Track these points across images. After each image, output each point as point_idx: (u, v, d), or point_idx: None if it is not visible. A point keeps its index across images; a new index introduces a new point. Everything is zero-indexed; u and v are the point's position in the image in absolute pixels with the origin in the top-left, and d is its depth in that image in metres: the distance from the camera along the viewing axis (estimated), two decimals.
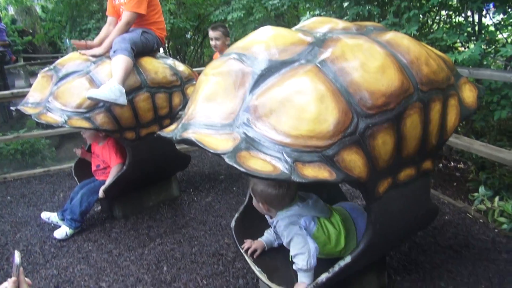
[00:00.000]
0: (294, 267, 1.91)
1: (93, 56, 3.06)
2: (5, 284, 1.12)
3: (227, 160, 1.39)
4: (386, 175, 1.68)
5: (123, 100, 2.75)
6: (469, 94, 1.94)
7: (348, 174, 1.49)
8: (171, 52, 8.85)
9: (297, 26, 1.97)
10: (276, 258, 2.23)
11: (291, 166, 1.40)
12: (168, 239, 3.05)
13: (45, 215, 3.24)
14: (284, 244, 1.99)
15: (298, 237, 1.87)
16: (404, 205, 1.82)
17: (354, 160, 1.51)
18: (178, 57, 8.80)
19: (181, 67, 3.48)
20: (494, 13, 3.78)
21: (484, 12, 3.78)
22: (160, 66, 3.27)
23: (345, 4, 4.22)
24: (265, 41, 1.68)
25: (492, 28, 3.71)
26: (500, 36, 3.74)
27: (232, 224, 2.29)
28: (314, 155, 1.45)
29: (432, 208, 2.08)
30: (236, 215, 2.33)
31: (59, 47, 12.91)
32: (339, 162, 1.48)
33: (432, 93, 1.71)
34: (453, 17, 4.27)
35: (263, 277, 2.02)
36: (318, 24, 1.90)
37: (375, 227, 1.72)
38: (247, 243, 2.19)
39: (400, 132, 1.62)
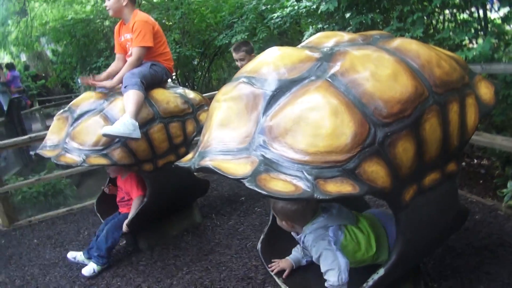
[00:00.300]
0: (326, 284, 1.86)
1: (104, 87, 3.14)
2: None
3: (247, 184, 1.38)
4: (411, 182, 1.64)
5: (137, 133, 2.79)
6: (485, 91, 1.90)
7: (371, 185, 1.47)
8: (179, 80, 8.99)
9: (302, 44, 1.98)
10: (307, 278, 2.19)
11: (313, 183, 1.38)
12: (196, 267, 3.03)
13: (71, 255, 3.27)
14: (314, 259, 1.95)
15: (327, 252, 1.84)
16: (433, 211, 1.77)
17: (376, 171, 1.48)
18: (187, 84, 8.92)
19: (191, 94, 3.53)
20: (499, 7, 3.74)
21: (488, 7, 3.74)
22: (171, 96, 3.31)
23: (347, 15, 4.23)
24: (272, 62, 1.69)
25: (499, 21, 3.66)
26: (508, 28, 3.69)
27: (259, 246, 2.26)
28: (334, 170, 1.43)
29: (462, 209, 2.03)
30: (262, 236, 2.30)
31: (71, 87, 13.29)
32: (361, 174, 1.45)
33: (447, 95, 1.68)
34: (457, 15, 4.24)
35: None
36: (323, 39, 1.90)
37: (405, 236, 1.67)
38: (275, 263, 2.16)
39: (420, 137, 1.59)
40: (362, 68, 1.58)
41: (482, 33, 3.42)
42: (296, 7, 4.97)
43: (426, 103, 1.60)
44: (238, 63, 3.74)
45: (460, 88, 1.77)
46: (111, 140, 2.86)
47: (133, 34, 3.16)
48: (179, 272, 3.00)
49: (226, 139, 1.59)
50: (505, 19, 3.62)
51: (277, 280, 2.12)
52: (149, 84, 3.17)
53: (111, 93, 3.17)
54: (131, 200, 3.26)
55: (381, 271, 1.72)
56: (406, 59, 1.68)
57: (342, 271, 1.79)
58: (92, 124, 2.91)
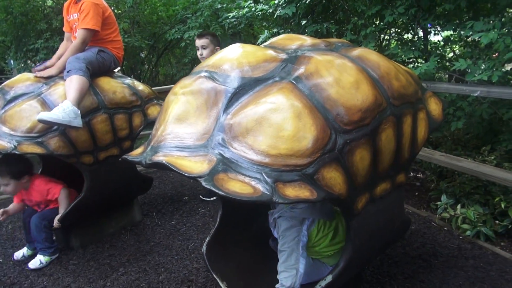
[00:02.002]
0: (277, 285, 1.85)
1: (49, 77, 2.88)
2: None
3: (204, 183, 1.30)
4: (364, 190, 1.66)
5: (78, 122, 2.59)
6: (435, 107, 1.99)
7: (329, 192, 1.46)
8: (125, 72, 8.60)
9: (265, 43, 1.94)
10: (251, 282, 2.16)
11: (272, 186, 1.34)
12: (132, 267, 2.87)
13: (18, 255, 3.06)
14: (278, 247, 1.95)
15: (292, 253, 1.86)
16: (381, 219, 1.81)
17: (334, 178, 1.47)
18: (132, 76, 8.55)
19: (140, 86, 3.36)
20: (441, 30, 4.00)
21: (430, 29, 3.99)
22: (119, 86, 3.13)
23: (303, 22, 4.29)
24: (236, 58, 1.64)
25: (441, 43, 3.91)
26: (449, 53, 3.96)
27: (204, 248, 2.18)
28: (294, 174, 1.40)
29: (405, 219, 2.10)
30: (208, 239, 2.23)
31: (3, 68, 12.21)
32: (319, 180, 1.44)
33: (403, 107, 1.73)
34: (402, 34, 4.47)
35: None
36: (287, 41, 1.88)
37: (354, 243, 1.69)
38: None
39: (376, 147, 1.62)
40: (327, 73, 1.57)
41: (426, 53, 3.63)
42: (253, 9, 4.94)
43: (384, 113, 1.63)
44: (199, 52, 3.45)
45: (414, 102, 1.83)
46: (47, 128, 2.62)
47: (80, 15, 2.95)
48: (114, 272, 2.82)
49: (182, 135, 1.50)
50: (447, 42, 3.88)
51: (220, 284, 2.06)
52: (96, 71, 2.97)
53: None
54: (52, 203, 3.01)
55: (329, 278, 1.73)
56: (367, 68, 1.71)
57: (298, 278, 1.81)
58: (27, 108, 2.65)
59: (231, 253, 2.29)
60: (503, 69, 2.70)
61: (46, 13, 7.37)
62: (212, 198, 3.90)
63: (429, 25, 3.94)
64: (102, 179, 3.02)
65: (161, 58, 9.05)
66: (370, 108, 1.57)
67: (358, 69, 1.64)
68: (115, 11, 7.47)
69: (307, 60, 1.63)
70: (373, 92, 1.60)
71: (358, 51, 1.81)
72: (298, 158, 1.41)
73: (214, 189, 1.29)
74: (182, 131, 1.51)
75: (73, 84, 2.68)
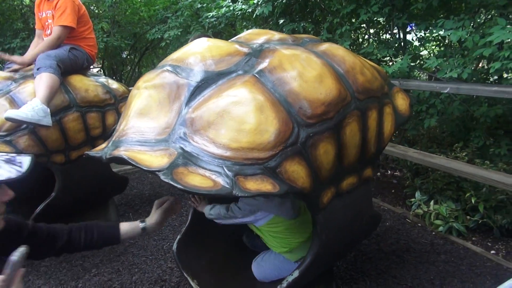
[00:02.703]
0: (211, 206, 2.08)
1: (14, 62, 2.84)
2: None
3: (162, 177, 1.29)
4: (329, 184, 1.66)
5: (47, 121, 2.54)
6: (402, 102, 2.01)
7: (291, 185, 1.45)
8: (106, 72, 8.49)
9: (233, 38, 1.93)
10: (222, 280, 2.14)
11: (232, 180, 1.33)
12: (105, 268, 2.82)
13: None
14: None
15: (234, 214, 1.99)
16: (348, 214, 1.81)
17: (297, 171, 1.47)
18: (114, 77, 8.45)
19: (115, 85, 3.31)
20: (417, 30, 4.06)
21: (408, 29, 4.04)
22: (91, 84, 3.08)
23: (281, 21, 4.30)
24: (200, 52, 1.62)
25: (416, 44, 3.96)
26: (423, 51, 4.01)
27: (174, 246, 2.17)
28: (256, 167, 1.39)
29: (375, 214, 2.11)
30: (179, 237, 2.21)
31: None
32: (282, 173, 1.43)
33: (368, 101, 1.74)
34: (380, 34, 4.52)
35: None
36: (254, 35, 1.88)
37: (321, 238, 1.69)
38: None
39: (340, 141, 1.62)
40: (290, 67, 1.57)
41: (401, 52, 3.67)
42: (231, 8, 4.93)
43: (348, 107, 1.63)
44: None
45: (380, 96, 1.84)
46: (16, 126, 2.56)
47: (56, 12, 2.90)
48: (86, 274, 2.77)
49: (144, 129, 1.48)
50: (421, 42, 3.93)
51: (191, 282, 2.04)
52: (67, 69, 2.92)
53: (20, 74, 2.86)
54: None
55: (296, 273, 1.72)
56: (332, 63, 1.71)
57: (217, 219, 2.04)
58: None
59: (203, 251, 2.27)
60: (472, 67, 2.74)
61: (23, 12, 7.25)
62: None
63: (410, 27, 4.00)
64: (74, 179, 2.96)
65: (144, 58, 8.96)
66: (334, 102, 1.57)
67: (323, 63, 1.64)
68: (95, 10, 7.38)
69: (271, 54, 1.62)
70: (337, 86, 1.61)
71: (324, 46, 1.82)
72: (260, 152, 1.40)
73: (172, 183, 1.27)
74: (144, 125, 1.49)
75: (43, 82, 2.62)
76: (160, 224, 1.68)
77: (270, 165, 1.41)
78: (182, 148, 1.39)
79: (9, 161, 1.18)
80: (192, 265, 2.13)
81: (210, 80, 1.53)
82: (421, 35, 3.99)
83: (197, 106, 1.47)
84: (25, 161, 1.20)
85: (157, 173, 1.30)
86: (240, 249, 2.37)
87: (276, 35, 1.88)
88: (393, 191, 3.82)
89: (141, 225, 1.65)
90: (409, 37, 4.27)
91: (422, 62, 3.76)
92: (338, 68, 1.70)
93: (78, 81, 3.00)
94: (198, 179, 1.31)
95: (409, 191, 3.49)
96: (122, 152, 1.41)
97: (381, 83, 1.88)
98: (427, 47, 4.23)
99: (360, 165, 1.80)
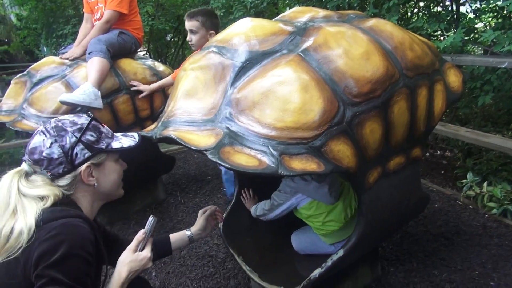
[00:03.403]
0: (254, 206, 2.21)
1: (73, 58, 2.96)
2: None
3: (210, 156, 1.32)
4: (376, 164, 1.63)
5: (98, 103, 2.67)
6: (454, 78, 1.92)
7: (337, 165, 1.44)
8: (152, 55, 8.71)
9: (277, 17, 1.92)
10: (267, 257, 2.18)
11: (278, 159, 1.34)
12: None
13: None
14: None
15: (274, 204, 2.05)
16: (395, 194, 1.78)
17: (342, 150, 1.46)
18: (159, 60, 8.66)
19: (161, 67, 3.40)
20: (471, 1, 3.80)
21: (462, 0, 3.80)
22: (139, 67, 3.18)
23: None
24: (244, 33, 1.62)
25: (471, 15, 3.72)
26: (479, 24, 3.76)
27: (220, 224, 2.23)
28: (301, 147, 1.40)
29: (423, 196, 2.05)
30: (225, 214, 2.27)
31: (36, 55, 12.65)
32: (327, 153, 1.43)
33: (418, 79, 1.68)
34: (431, 7, 4.28)
35: (254, 276, 1.97)
36: (298, 13, 1.85)
37: (366, 218, 1.67)
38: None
39: (387, 120, 1.58)
40: (336, 44, 1.54)
41: (454, 25, 3.46)
42: None
43: (396, 85, 1.58)
44: (188, 36, 2.81)
45: (430, 73, 1.76)
46: (72, 109, 2.71)
47: None
48: None
49: (191, 110, 1.52)
50: (477, 14, 3.68)
51: (237, 259, 2.10)
52: (116, 53, 3.03)
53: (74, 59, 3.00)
54: None
55: (341, 252, 1.72)
56: (380, 39, 1.65)
57: (263, 217, 2.13)
58: (53, 90, 2.74)
59: (248, 228, 2.32)
60: None
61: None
62: None
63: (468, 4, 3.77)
64: (125, 159, 3.10)
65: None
66: (381, 80, 1.53)
67: (369, 40, 1.60)
68: None
69: (316, 32, 1.59)
70: (385, 63, 1.56)
71: (371, 22, 1.76)
72: (304, 131, 1.40)
73: (219, 162, 1.30)
74: (191, 106, 1.53)
75: (94, 65, 2.75)
76: (204, 231, 1.88)
77: (315, 145, 1.41)
78: (228, 128, 1.42)
79: (125, 135, 1.49)
80: (237, 242, 2.19)
81: (254, 60, 1.54)
82: (476, 7, 3.73)
83: (242, 86, 1.48)
84: (135, 135, 1.51)
85: (204, 152, 1.34)
86: (284, 227, 2.40)
87: (321, 12, 1.84)
88: (442, 172, 3.68)
89: (188, 233, 1.84)
90: (462, 9, 4.02)
91: (477, 36, 3.54)
92: (385, 45, 1.65)
93: (127, 65, 3.11)
94: (244, 158, 1.34)
95: (460, 172, 3.35)
96: (171, 132, 1.47)
97: (431, 59, 1.79)
98: (483, 19, 3.95)
99: (408, 145, 1.75)
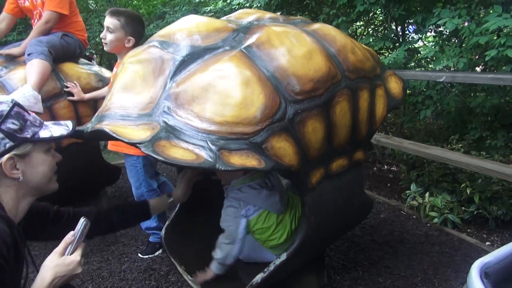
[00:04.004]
0: (212, 253, 1.93)
1: (10, 55, 2.77)
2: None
3: (143, 149, 1.25)
4: (319, 165, 1.62)
5: (38, 107, 2.50)
6: (395, 85, 1.97)
7: (278, 162, 1.41)
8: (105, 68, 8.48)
9: (223, 17, 1.90)
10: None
11: (216, 154, 1.29)
12: (95, 257, 2.78)
13: None
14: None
15: (231, 232, 1.87)
16: (339, 197, 1.77)
17: (284, 148, 1.43)
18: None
19: (108, 74, 3.28)
20: (413, 23, 4.04)
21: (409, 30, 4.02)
22: (84, 72, 3.05)
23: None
24: (187, 28, 1.59)
25: (414, 35, 3.94)
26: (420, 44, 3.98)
27: (162, 232, 2.12)
28: (241, 142, 1.36)
29: (366, 200, 2.07)
30: (167, 223, 2.17)
31: None
32: (268, 149, 1.39)
33: (359, 81, 1.70)
34: (379, 30, 4.49)
35: (196, 287, 1.88)
36: (244, 14, 1.84)
37: (309, 221, 1.65)
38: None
39: (330, 120, 1.58)
40: (279, 43, 1.53)
41: (398, 44, 3.63)
42: (228, 2, 4.91)
43: (338, 85, 1.59)
44: (103, 33, 2.43)
45: (372, 78, 1.80)
46: None
47: None
48: None
49: (127, 104, 1.44)
50: (418, 32, 3.90)
51: (179, 269, 2.00)
52: (59, 56, 2.87)
53: (11, 60, 2.82)
54: None
55: (283, 256, 1.68)
56: (323, 41, 1.67)
57: (231, 255, 1.87)
58: None
59: (191, 238, 2.23)
60: (468, 56, 2.71)
61: None
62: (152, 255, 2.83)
63: (408, 30, 4.01)
64: (65, 167, 2.89)
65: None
66: (323, 79, 1.53)
67: (313, 41, 1.61)
68: (93, 5, 7.35)
69: (259, 30, 1.59)
70: (327, 63, 1.57)
71: (316, 26, 1.78)
72: (245, 126, 1.36)
73: (153, 155, 1.23)
74: (128, 100, 1.45)
75: (34, 68, 2.59)
76: (185, 195, 1.90)
77: (256, 141, 1.38)
78: (165, 122, 1.36)
79: (56, 124, 1.35)
80: (180, 251, 2.09)
81: (196, 55, 1.50)
82: (419, 28, 3.96)
83: (182, 80, 1.43)
84: (69, 123, 1.37)
85: (138, 145, 1.27)
86: None
87: (267, 14, 1.85)
88: (388, 185, 3.78)
89: (169, 199, 1.84)
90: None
91: (418, 55, 3.73)
92: (328, 47, 1.67)
93: (70, 69, 2.97)
94: (180, 152, 1.27)
95: (405, 184, 3.45)
96: (104, 125, 1.38)
97: (373, 65, 1.84)
98: (424, 38, 4.19)
99: (351, 147, 1.76)
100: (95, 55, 7.61)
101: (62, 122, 1.38)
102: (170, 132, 1.33)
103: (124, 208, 1.73)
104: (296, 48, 1.54)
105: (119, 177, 3.60)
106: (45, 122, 1.33)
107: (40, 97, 2.53)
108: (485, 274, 0.89)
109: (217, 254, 1.90)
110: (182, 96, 1.39)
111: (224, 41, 1.55)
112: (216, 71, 1.42)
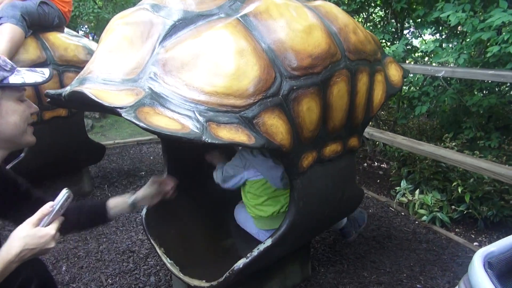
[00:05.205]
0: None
1: None
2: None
3: (124, 115, 1.15)
4: (311, 148, 1.54)
5: None
6: (395, 72, 1.90)
7: (269, 140, 1.33)
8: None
9: None
10: (191, 250, 2.01)
11: (203, 125, 1.20)
12: (72, 236, 2.67)
13: None
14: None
15: (227, 174, 1.95)
16: (330, 183, 1.69)
17: (276, 125, 1.34)
18: None
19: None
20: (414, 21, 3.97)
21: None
22: (72, 44, 2.91)
23: None
24: None
25: (413, 29, 3.87)
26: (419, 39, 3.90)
27: (143, 212, 2.02)
28: (231, 115, 1.27)
29: (357, 191, 1.99)
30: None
31: None
32: (259, 125, 1.31)
33: (359, 63, 1.62)
34: (378, 27, 4.41)
35: (175, 270, 1.80)
36: None
37: (298, 206, 1.57)
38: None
39: (326, 100, 1.50)
40: (278, 14, 1.44)
41: (397, 37, 3.56)
42: None
43: (337, 65, 1.50)
44: None
45: (372, 61, 1.72)
46: None
47: None
48: None
49: (111, 68, 1.34)
50: (418, 27, 3.83)
51: (158, 250, 1.91)
52: (35, 24, 2.69)
53: None
54: None
55: (268, 241, 1.60)
56: (325, 19, 1.58)
57: (226, 180, 1.96)
58: None
59: (172, 220, 2.13)
60: (469, 52, 2.64)
61: None
62: None
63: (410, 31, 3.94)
64: (46, 141, 2.79)
65: None
66: (322, 56, 1.45)
67: (314, 16, 1.52)
68: None
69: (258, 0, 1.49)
70: (327, 40, 1.48)
71: (318, 3, 1.69)
72: (236, 98, 1.27)
73: (135, 121, 1.13)
74: (112, 64, 1.35)
75: (4, 33, 2.42)
76: (151, 198, 1.64)
77: (246, 115, 1.29)
78: (150, 89, 1.26)
79: (31, 70, 1.24)
80: (160, 234, 2.00)
81: (188, 20, 1.40)
82: (418, 26, 3.88)
83: (172, 46, 1.33)
84: (46, 70, 1.27)
85: (118, 110, 1.17)
86: (210, 220, 2.24)
87: None
88: (378, 181, 3.73)
89: (129, 200, 1.56)
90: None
91: (417, 54, 3.66)
92: (330, 24, 1.58)
93: (57, 39, 2.83)
94: (165, 120, 1.18)
95: (395, 181, 3.39)
96: (84, 88, 1.27)
97: (374, 48, 1.76)
98: (424, 33, 4.12)
99: (345, 132, 1.68)
100: (90, 36, 7.40)
101: (38, 69, 1.26)
102: (155, 99, 1.23)
103: (81, 210, 1.49)
104: (295, 22, 1.45)
105: (103, 156, 3.49)
106: (18, 68, 1.21)
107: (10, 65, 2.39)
108: (488, 264, 0.82)
109: (215, 175, 2.02)
110: (171, 62, 1.29)
111: (220, 8, 1.45)
112: (208, 38, 1.32)
